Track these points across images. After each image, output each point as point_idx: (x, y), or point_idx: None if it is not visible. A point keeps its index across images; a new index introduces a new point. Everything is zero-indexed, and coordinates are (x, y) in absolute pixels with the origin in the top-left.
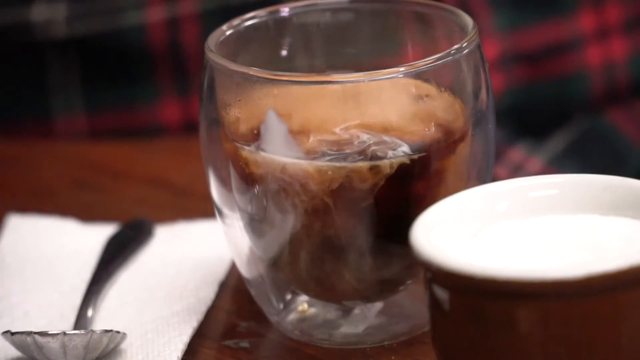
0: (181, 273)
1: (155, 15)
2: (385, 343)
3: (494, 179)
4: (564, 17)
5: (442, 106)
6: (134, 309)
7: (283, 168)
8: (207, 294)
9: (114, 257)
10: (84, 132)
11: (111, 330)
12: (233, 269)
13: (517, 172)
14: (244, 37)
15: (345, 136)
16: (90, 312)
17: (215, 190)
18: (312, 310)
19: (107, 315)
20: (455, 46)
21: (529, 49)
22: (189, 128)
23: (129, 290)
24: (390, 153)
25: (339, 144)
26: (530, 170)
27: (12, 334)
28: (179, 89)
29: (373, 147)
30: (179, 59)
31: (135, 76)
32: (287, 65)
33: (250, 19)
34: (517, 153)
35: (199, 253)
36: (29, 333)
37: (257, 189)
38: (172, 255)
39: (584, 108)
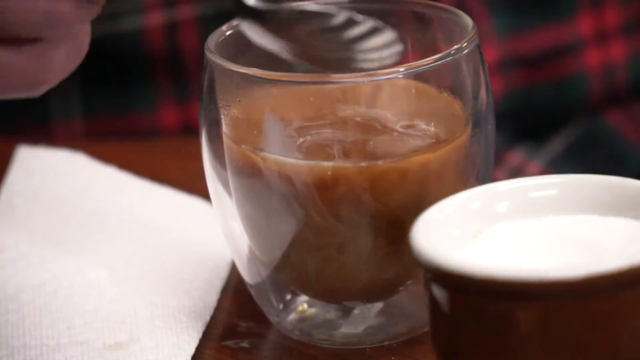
0: (181, 273)
1: (153, 19)
2: (385, 343)
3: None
4: (563, 21)
5: (441, 106)
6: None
7: (283, 168)
8: (210, 296)
9: None
10: (82, 136)
11: None
12: (233, 270)
13: (516, 175)
14: (244, 37)
15: (345, 136)
16: None
17: (215, 190)
18: (312, 311)
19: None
20: (455, 46)
21: (528, 52)
22: (188, 133)
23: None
24: (390, 153)
25: (338, 144)
26: (529, 174)
27: None
28: (177, 93)
29: (373, 148)
30: (177, 64)
31: (134, 81)
32: (287, 65)
33: None
34: (517, 157)
35: (199, 254)
36: None
37: (257, 189)
38: (172, 254)
39: (583, 111)
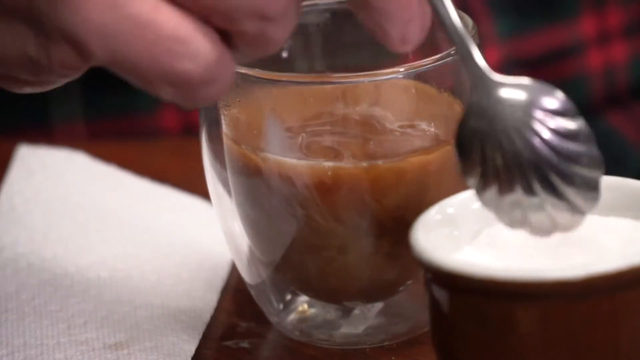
0: (181, 273)
1: None
2: (385, 343)
3: None
4: (565, 23)
5: (441, 107)
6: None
7: (283, 169)
8: (210, 296)
9: None
10: (83, 138)
11: None
12: (233, 270)
13: None
14: None
15: (345, 137)
16: None
17: (215, 190)
18: (312, 311)
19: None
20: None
21: (530, 54)
22: (188, 133)
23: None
24: (390, 153)
25: (338, 145)
26: None
27: None
28: None
29: (373, 148)
30: None
31: None
32: (287, 65)
33: None
34: None
35: (199, 254)
36: None
37: (257, 190)
38: (172, 254)
39: (584, 112)
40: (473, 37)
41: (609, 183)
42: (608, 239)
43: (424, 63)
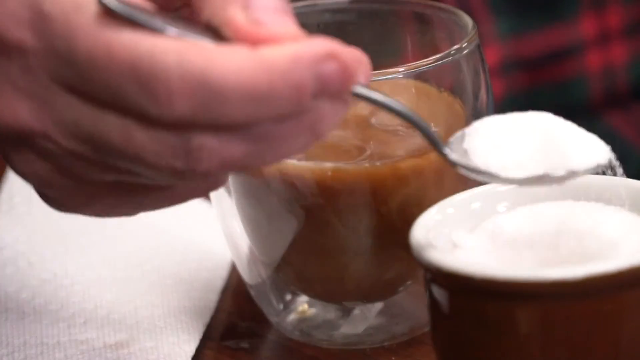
0: (181, 273)
1: None
2: (385, 343)
3: None
4: (565, 23)
5: (442, 106)
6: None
7: (283, 169)
8: (210, 296)
9: None
10: None
11: None
12: (233, 270)
13: None
14: None
15: (346, 137)
16: None
17: (214, 191)
18: (312, 311)
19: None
20: (455, 46)
21: (529, 54)
22: None
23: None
24: (390, 154)
25: (339, 145)
26: None
27: None
28: None
29: (373, 148)
30: None
31: None
32: None
33: None
34: None
35: (199, 254)
36: None
37: (257, 190)
38: (172, 254)
39: (583, 112)
40: (472, 37)
41: (610, 183)
42: (607, 230)
43: (424, 63)
